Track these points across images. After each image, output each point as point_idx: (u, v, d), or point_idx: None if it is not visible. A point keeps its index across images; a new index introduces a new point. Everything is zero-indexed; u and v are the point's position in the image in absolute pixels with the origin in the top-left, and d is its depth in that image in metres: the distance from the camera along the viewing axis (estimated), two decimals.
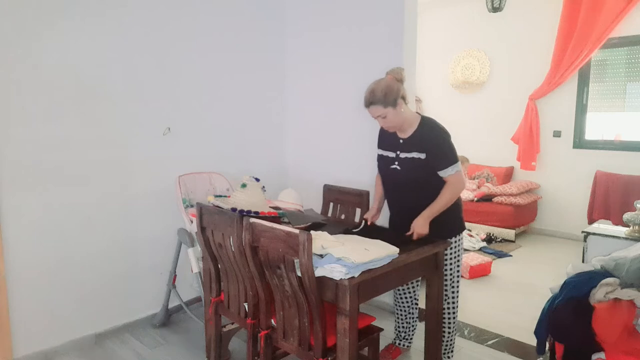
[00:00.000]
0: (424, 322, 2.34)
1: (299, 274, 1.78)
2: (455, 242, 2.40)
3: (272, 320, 2.06)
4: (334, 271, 1.75)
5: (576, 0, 4.88)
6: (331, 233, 2.06)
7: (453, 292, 2.46)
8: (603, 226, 3.45)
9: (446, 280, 2.41)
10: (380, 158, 2.45)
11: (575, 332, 2.00)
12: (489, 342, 2.87)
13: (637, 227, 3.17)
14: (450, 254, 2.40)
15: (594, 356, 1.93)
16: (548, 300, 2.24)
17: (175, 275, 3.06)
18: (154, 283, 3.10)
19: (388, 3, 3.09)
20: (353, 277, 1.74)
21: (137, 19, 2.88)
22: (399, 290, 2.65)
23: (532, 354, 2.66)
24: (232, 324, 2.48)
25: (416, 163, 2.27)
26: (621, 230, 3.27)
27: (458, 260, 2.44)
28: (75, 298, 2.76)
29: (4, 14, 2.38)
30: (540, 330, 2.22)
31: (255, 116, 3.65)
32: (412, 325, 2.71)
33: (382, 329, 2.15)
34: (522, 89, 5.51)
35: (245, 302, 2.17)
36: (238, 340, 2.81)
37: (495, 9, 5.34)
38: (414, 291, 2.64)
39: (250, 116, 3.62)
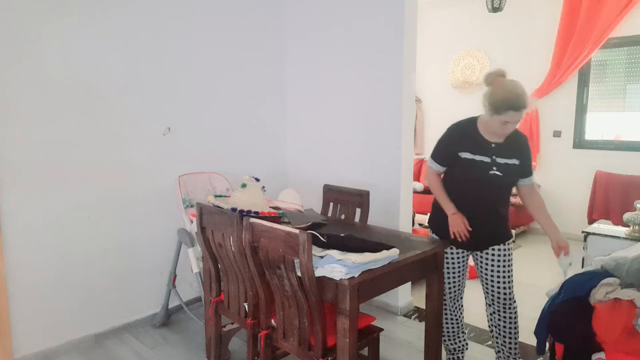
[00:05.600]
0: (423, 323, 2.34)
1: (299, 274, 1.78)
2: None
3: (272, 320, 2.06)
4: (334, 271, 1.75)
5: (576, 0, 4.88)
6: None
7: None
8: (603, 226, 3.45)
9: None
10: (471, 162, 2.25)
11: (575, 332, 2.00)
12: (489, 342, 2.87)
13: (637, 227, 3.17)
14: None
15: (594, 356, 1.92)
16: (548, 300, 2.24)
17: (175, 275, 3.06)
18: (154, 283, 3.10)
19: (388, 4, 3.09)
20: (353, 277, 1.74)
21: (138, 20, 2.88)
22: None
23: (532, 354, 2.66)
24: (232, 324, 2.48)
25: (512, 169, 2.24)
26: (621, 230, 3.27)
27: None
28: (75, 298, 2.76)
29: (3, 13, 2.38)
30: (540, 330, 2.21)
31: (255, 116, 3.65)
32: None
33: (382, 329, 2.15)
34: None
35: (245, 302, 2.17)
36: (238, 340, 2.81)
37: (495, 9, 5.34)
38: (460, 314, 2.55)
39: (251, 116, 3.62)
